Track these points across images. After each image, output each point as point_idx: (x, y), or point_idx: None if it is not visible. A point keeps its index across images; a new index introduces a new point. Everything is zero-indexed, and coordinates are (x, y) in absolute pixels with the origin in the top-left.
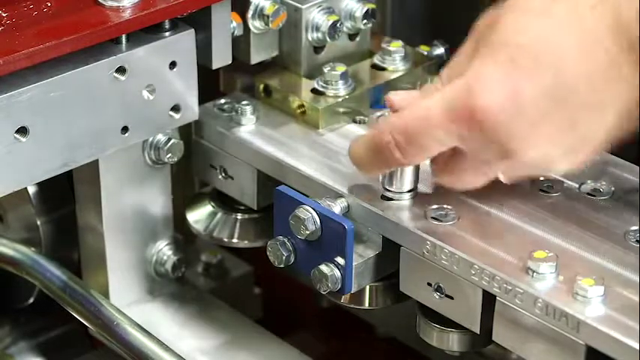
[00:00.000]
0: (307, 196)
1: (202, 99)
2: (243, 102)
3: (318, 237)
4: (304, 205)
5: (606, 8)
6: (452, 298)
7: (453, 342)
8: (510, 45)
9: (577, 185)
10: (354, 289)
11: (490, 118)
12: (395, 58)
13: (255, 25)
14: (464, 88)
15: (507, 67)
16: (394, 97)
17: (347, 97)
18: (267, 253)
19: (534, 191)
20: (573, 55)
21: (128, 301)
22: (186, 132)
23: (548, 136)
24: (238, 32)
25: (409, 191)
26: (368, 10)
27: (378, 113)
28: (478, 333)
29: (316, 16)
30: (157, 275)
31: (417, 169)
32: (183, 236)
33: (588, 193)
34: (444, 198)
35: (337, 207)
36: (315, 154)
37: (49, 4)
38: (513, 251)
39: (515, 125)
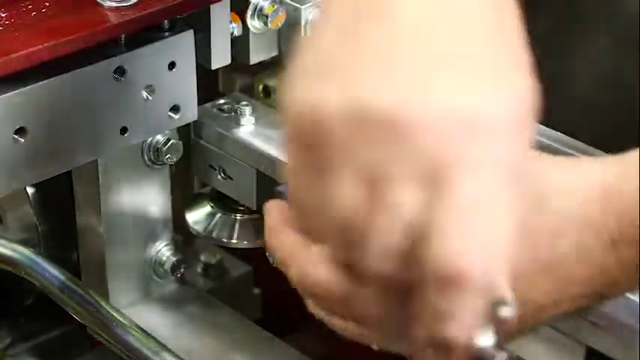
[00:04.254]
0: None
1: (201, 99)
2: (243, 102)
3: None
4: None
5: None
6: None
7: None
8: None
9: None
10: None
11: None
12: None
13: (254, 25)
14: None
15: None
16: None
17: None
18: (267, 254)
19: None
20: None
21: (127, 301)
22: (185, 132)
23: None
24: (237, 32)
25: None
26: None
27: None
28: None
29: (316, 16)
30: (156, 276)
31: None
32: (183, 237)
33: None
34: None
35: None
36: None
37: (48, 5)
38: None
39: None
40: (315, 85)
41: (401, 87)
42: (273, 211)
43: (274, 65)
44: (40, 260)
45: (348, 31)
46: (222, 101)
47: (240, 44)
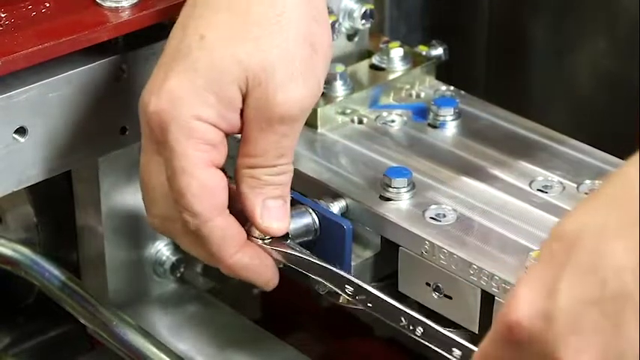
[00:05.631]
0: (306, 196)
1: None
2: None
3: (316, 237)
4: (303, 205)
5: None
6: (450, 297)
7: None
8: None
9: (575, 185)
10: None
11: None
12: (393, 59)
13: None
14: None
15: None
16: None
17: (346, 97)
18: None
19: (533, 191)
20: None
21: (127, 301)
22: None
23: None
24: None
25: (408, 191)
26: (366, 10)
27: (377, 113)
28: (477, 333)
29: None
30: (155, 275)
31: None
32: None
33: (587, 193)
34: (442, 198)
35: (336, 207)
36: (314, 154)
37: (48, 5)
38: (512, 251)
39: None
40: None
41: None
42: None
43: None
44: (40, 260)
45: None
46: None
47: None
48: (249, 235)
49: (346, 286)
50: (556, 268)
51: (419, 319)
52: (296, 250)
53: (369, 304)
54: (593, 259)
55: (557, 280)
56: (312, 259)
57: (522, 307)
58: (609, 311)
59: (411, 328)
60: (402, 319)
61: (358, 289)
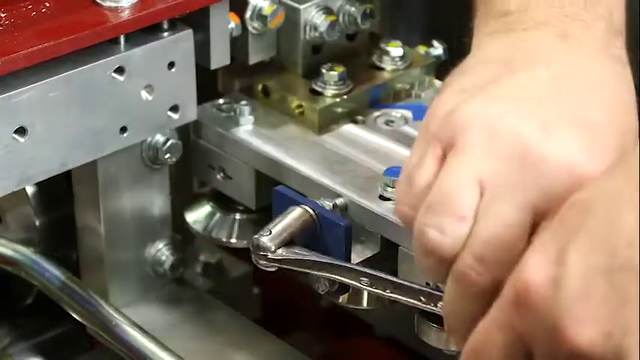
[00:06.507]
0: (305, 196)
1: (201, 99)
2: (242, 102)
3: (316, 237)
4: (302, 205)
5: None
6: None
7: (450, 341)
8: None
9: None
10: (352, 289)
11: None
12: (393, 59)
13: (253, 25)
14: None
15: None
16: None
17: (345, 97)
18: None
19: None
20: None
21: (126, 301)
22: (185, 132)
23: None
24: (237, 32)
25: None
26: (366, 10)
27: (377, 113)
28: None
29: (314, 16)
30: (155, 275)
31: None
32: (182, 236)
33: None
34: None
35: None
36: (314, 154)
37: (48, 5)
38: None
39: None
40: (463, 97)
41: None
42: None
43: (273, 65)
44: (40, 260)
45: (501, 69)
46: (221, 101)
47: (239, 44)
48: (255, 253)
49: (361, 279)
50: (568, 235)
51: (438, 294)
52: (305, 255)
53: (387, 291)
54: (605, 228)
55: (568, 246)
56: (325, 260)
57: (531, 271)
58: (617, 282)
59: (431, 305)
60: (422, 297)
61: (374, 279)
